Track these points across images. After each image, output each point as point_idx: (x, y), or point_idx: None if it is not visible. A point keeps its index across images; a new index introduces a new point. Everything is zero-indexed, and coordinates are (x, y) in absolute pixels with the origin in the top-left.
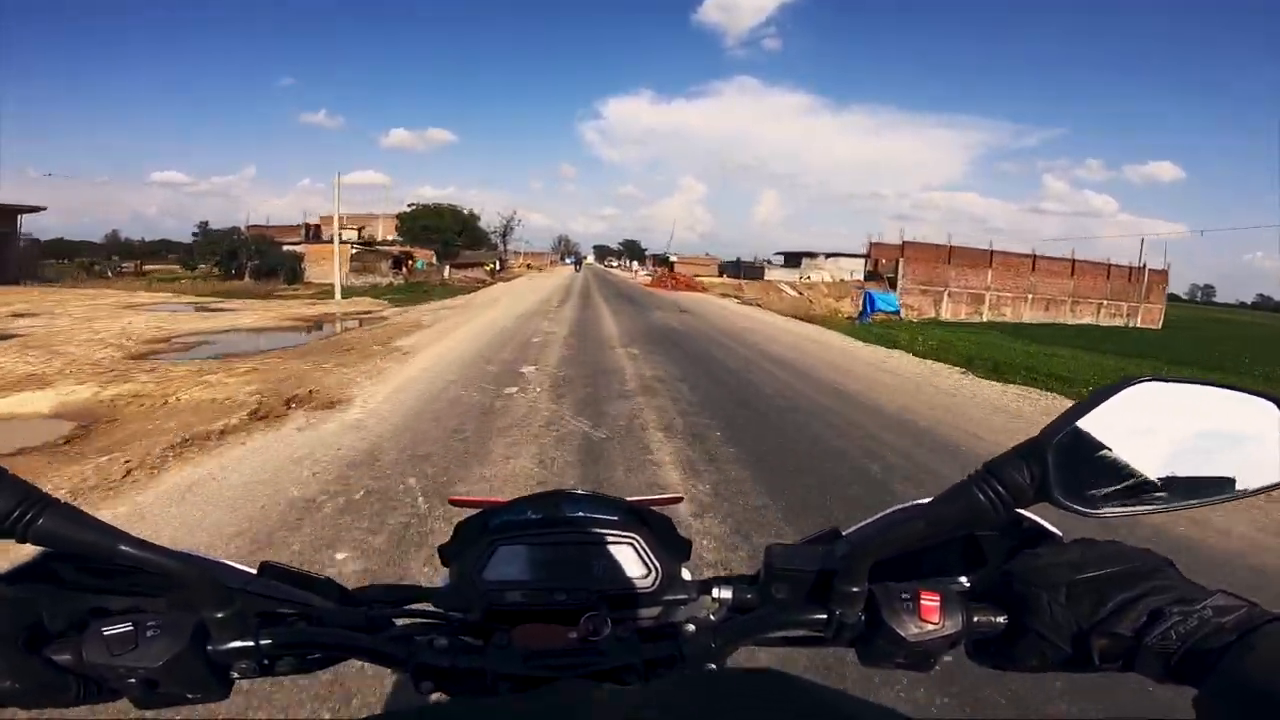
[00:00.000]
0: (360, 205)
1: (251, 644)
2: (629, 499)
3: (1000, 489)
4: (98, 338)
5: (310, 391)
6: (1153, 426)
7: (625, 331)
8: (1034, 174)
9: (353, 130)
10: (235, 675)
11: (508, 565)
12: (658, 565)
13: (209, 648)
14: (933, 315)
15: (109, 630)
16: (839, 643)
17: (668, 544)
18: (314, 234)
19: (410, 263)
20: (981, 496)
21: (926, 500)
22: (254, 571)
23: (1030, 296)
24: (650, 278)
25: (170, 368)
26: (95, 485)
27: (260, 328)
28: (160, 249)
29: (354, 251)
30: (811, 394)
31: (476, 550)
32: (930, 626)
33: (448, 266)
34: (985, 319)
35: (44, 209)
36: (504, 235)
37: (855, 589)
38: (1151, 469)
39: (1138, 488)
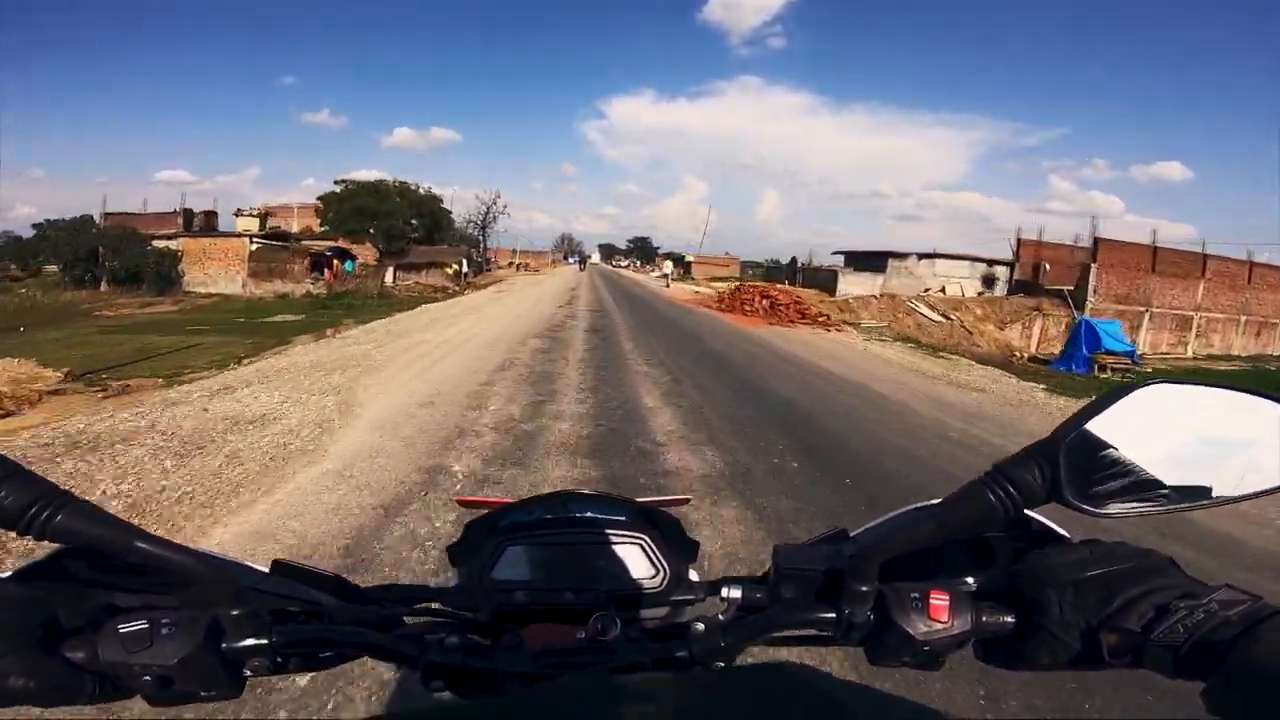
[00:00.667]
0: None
1: (265, 642)
2: (637, 499)
3: (1011, 489)
4: None
5: None
6: (1162, 429)
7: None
8: (1038, 173)
9: (356, 129)
10: (248, 673)
11: (516, 565)
12: (666, 565)
13: (223, 645)
14: (1165, 350)
15: (124, 628)
16: (848, 642)
17: (676, 544)
18: (200, 222)
19: (336, 264)
20: (992, 497)
21: (936, 500)
22: (266, 570)
23: (1244, 319)
24: (686, 289)
25: None
26: None
27: None
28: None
29: (254, 248)
30: None
31: (485, 550)
32: (939, 626)
33: (391, 268)
34: (1190, 351)
35: None
36: (484, 227)
37: (864, 588)
38: (1160, 470)
39: (1147, 489)
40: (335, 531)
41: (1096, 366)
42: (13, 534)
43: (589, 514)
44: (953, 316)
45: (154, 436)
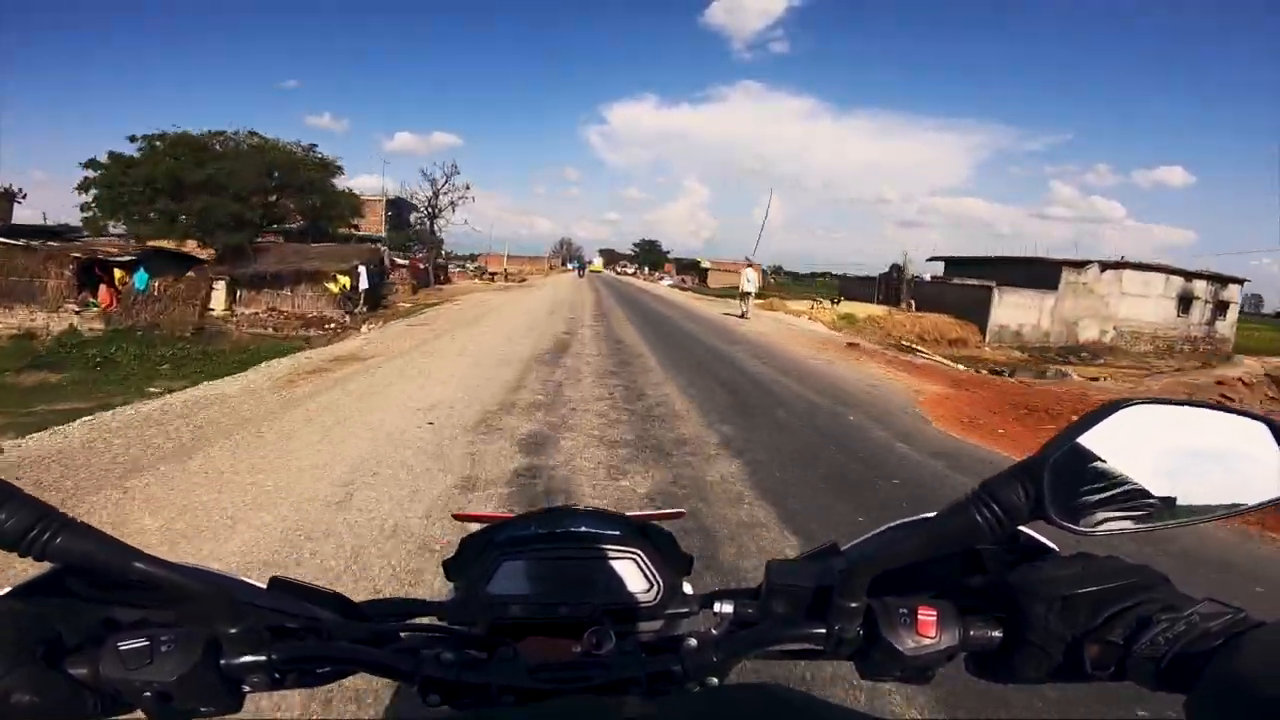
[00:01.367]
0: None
1: (263, 658)
2: (631, 514)
3: (997, 509)
4: None
5: None
6: (1146, 447)
7: None
8: (1040, 178)
9: (358, 133)
10: (247, 689)
11: (512, 579)
12: (660, 579)
13: (222, 662)
14: None
15: (125, 645)
16: (838, 656)
17: (669, 558)
18: None
19: (121, 277)
20: (978, 516)
21: (925, 516)
22: (263, 586)
23: None
24: (790, 328)
25: None
26: None
27: None
28: None
29: None
30: None
31: (481, 565)
32: (927, 641)
33: (225, 283)
34: None
35: None
36: (433, 215)
37: (853, 604)
38: (1144, 487)
39: (1131, 506)
40: None
41: None
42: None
43: (583, 529)
44: None
45: None
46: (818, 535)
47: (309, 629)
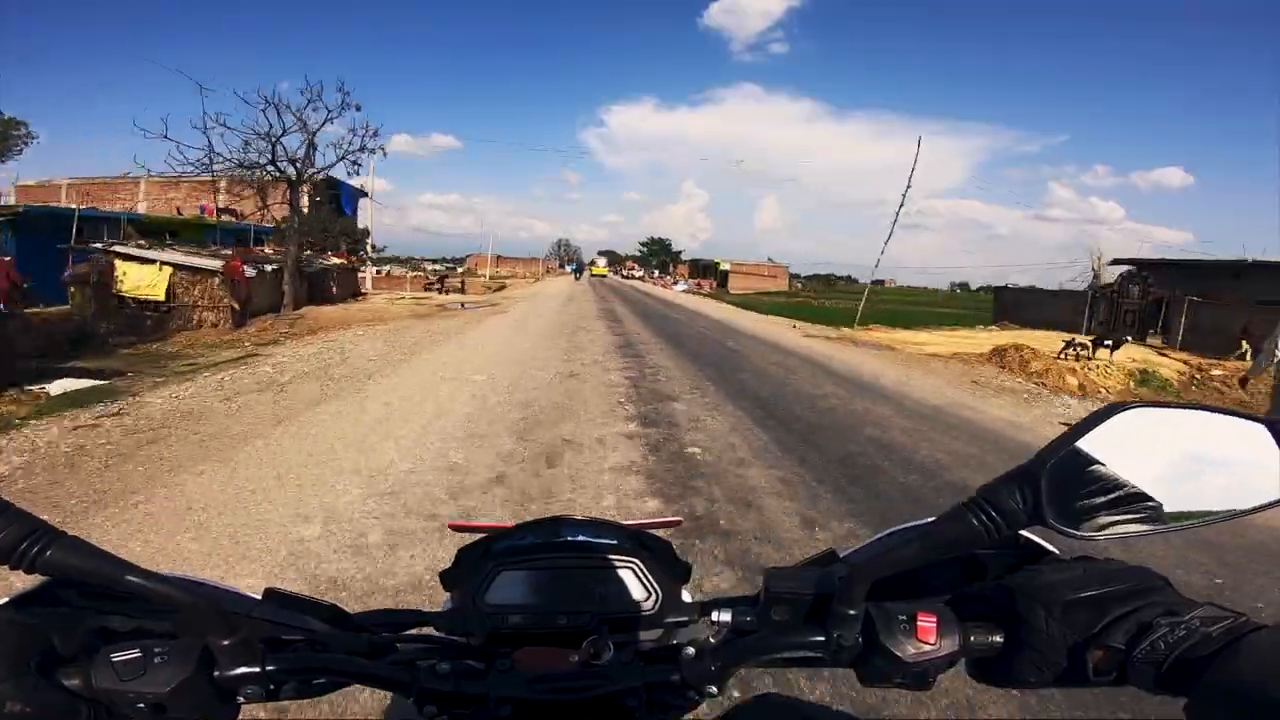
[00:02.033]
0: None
1: (258, 669)
2: (628, 523)
3: (995, 514)
4: None
5: None
6: (1144, 451)
7: None
8: (1038, 180)
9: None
10: (241, 700)
11: (509, 589)
12: (658, 588)
13: (215, 673)
14: None
15: (117, 656)
16: (838, 664)
17: (667, 567)
18: None
19: None
20: (976, 521)
21: (924, 522)
22: (258, 597)
23: None
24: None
25: None
26: None
27: None
28: None
29: None
30: None
31: (478, 575)
32: (927, 647)
33: None
34: None
35: None
36: (297, 178)
37: (852, 611)
38: (1143, 491)
39: (1130, 510)
40: None
41: None
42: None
43: (581, 538)
44: None
45: None
46: None
47: (304, 640)
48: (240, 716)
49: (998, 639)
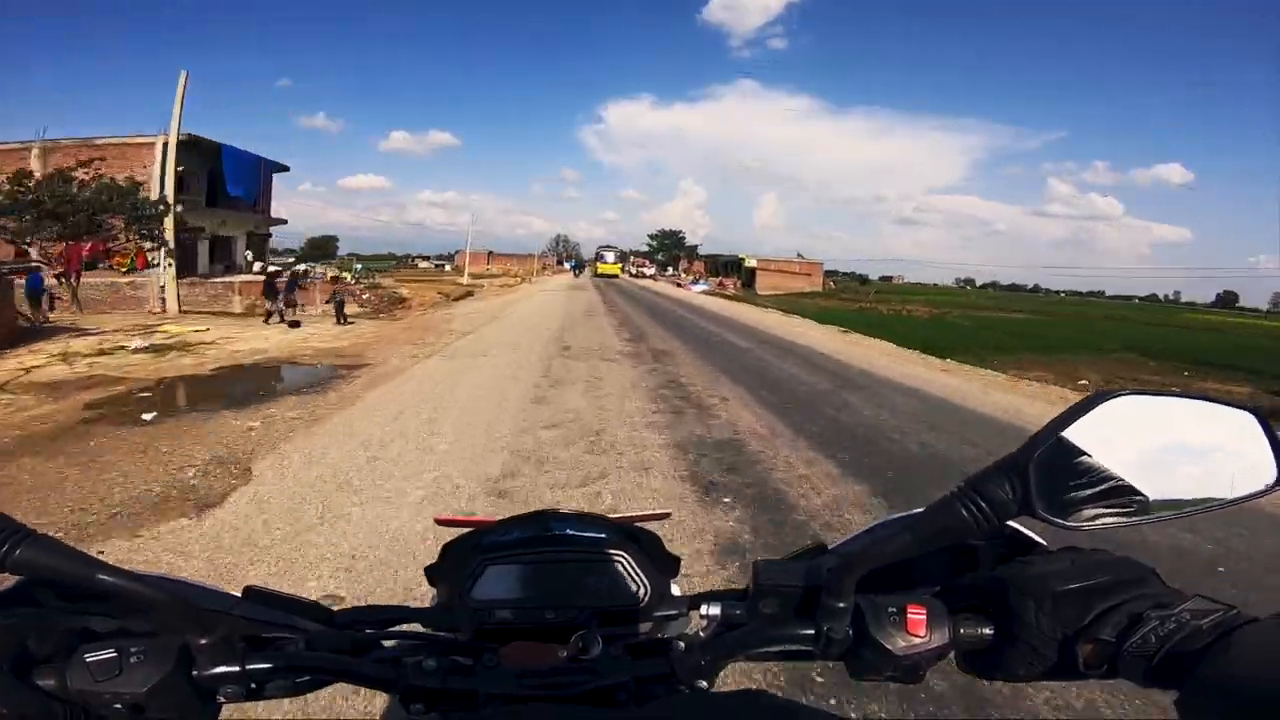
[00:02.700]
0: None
1: (237, 669)
2: (616, 516)
3: (984, 505)
4: None
5: None
6: (1132, 439)
7: None
8: (1037, 176)
9: (352, 133)
10: (221, 700)
11: (497, 584)
12: (647, 582)
13: (194, 673)
14: None
15: (92, 657)
16: (828, 657)
17: (657, 561)
18: None
19: None
20: (964, 512)
21: (912, 513)
22: (239, 595)
23: None
24: None
25: None
26: None
27: None
28: None
29: None
30: None
31: (465, 570)
32: (917, 640)
33: None
34: None
35: None
36: None
37: (842, 604)
38: (1132, 481)
39: (1119, 500)
40: None
41: None
42: None
43: (569, 532)
44: None
45: None
46: None
47: (286, 638)
48: (240, 716)
49: (988, 631)
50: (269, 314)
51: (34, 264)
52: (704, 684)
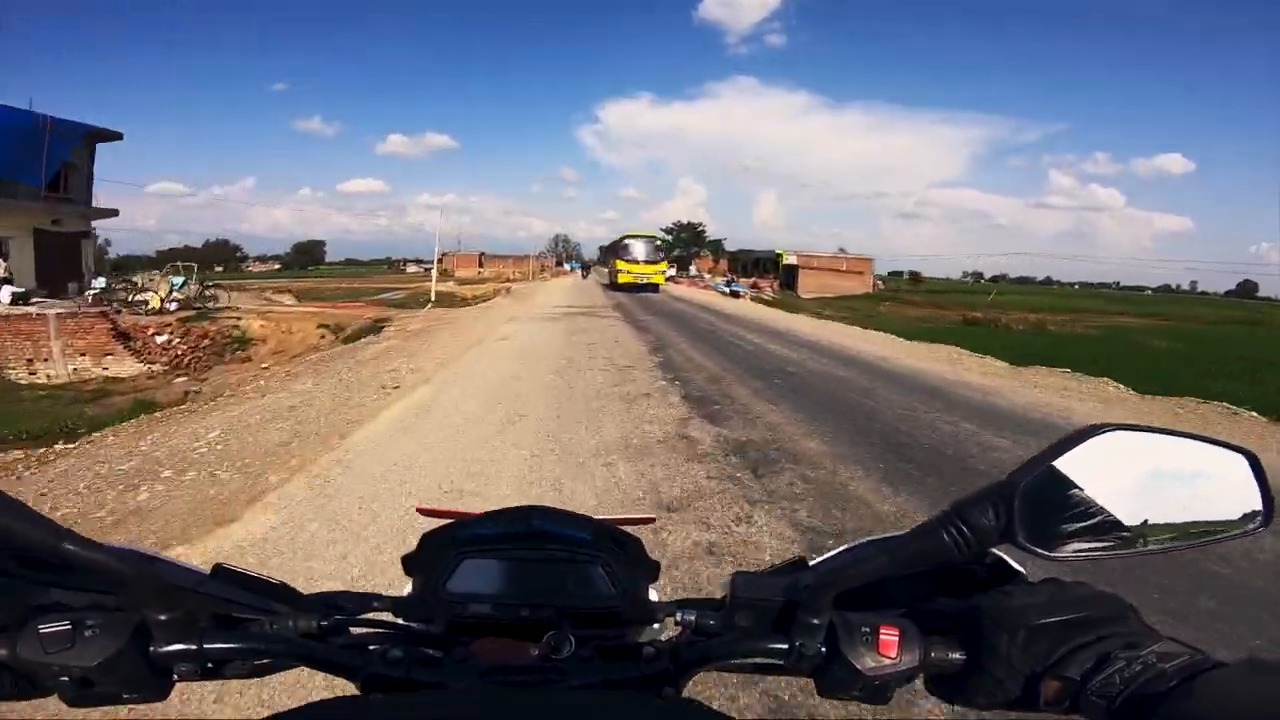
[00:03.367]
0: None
1: (194, 646)
2: (600, 518)
3: (966, 530)
4: None
5: None
6: (1121, 474)
7: None
8: (1038, 169)
9: (349, 136)
10: (176, 677)
11: (473, 578)
12: (624, 585)
13: (150, 648)
14: None
15: (45, 628)
16: (798, 672)
17: (636, 565)
18: None
19: None
20: (946, 536)
21: (895, 535)
22: (207, 572)
23: None
24: None
25: None
26: None
27: None
28: None
29: None
30: None
31: (441, 561)
32: (887, 661)
33: None
34: None
35: None
36: None
37: (816, 620)
38: (1118, 514)
39: (1102, 532)
40: None
41: None
42: None
43: (550, 530)
44: None
45: None
46: None
47: (252, 619)
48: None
49: (958, 657)
50: None
51: None
52: (671, 690)
